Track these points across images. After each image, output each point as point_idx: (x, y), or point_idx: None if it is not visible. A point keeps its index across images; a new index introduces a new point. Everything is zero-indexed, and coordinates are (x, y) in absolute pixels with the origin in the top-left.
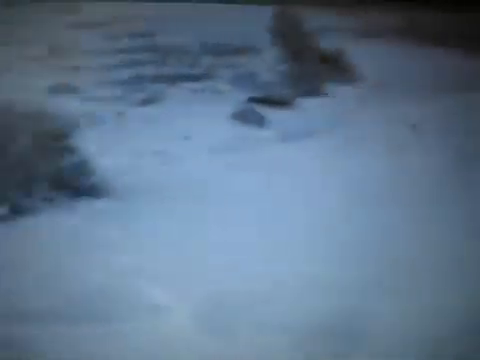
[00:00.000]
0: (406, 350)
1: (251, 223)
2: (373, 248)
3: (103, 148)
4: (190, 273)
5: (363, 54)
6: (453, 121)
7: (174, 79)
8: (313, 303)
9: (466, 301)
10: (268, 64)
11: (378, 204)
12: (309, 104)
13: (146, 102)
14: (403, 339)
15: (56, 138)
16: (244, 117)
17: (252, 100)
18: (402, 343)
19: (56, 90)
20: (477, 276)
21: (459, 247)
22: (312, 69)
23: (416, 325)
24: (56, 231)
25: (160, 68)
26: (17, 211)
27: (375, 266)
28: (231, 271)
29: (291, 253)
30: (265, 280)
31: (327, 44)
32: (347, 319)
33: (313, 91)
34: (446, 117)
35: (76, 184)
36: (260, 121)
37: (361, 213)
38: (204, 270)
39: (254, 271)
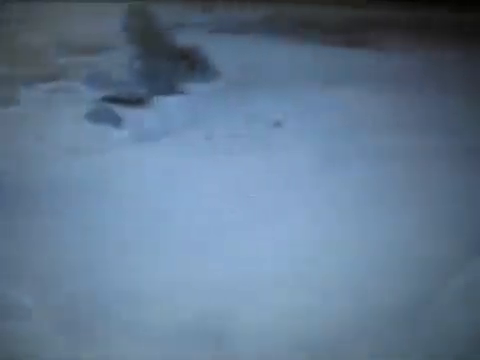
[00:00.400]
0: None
1: (109, 224)
2: (232, 249)
3: None
4: (51, 274)
5: (224, 51)
6: (317, 119)
7: (29, 79)
8: (181, 303)
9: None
10: (123, 63)
11: (239, 204)
12: (165, 102)
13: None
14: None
15: None
16: (99, 117)
17: (106, 99)
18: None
19: None
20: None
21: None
22: (168, 67)
23: (284, 327)
24: None
25: (15, 68)
26: None
27: (236, 267)
28: (89, 272)
29: (151, 255)
30: (125, 280)
31: (186, 41)
32: (213, 320)
33: (169, 89)
34: (310, 115)
35: None
36: (115, 121)
37: (223, 213)
38: (63, 271)
39: (113, 272)
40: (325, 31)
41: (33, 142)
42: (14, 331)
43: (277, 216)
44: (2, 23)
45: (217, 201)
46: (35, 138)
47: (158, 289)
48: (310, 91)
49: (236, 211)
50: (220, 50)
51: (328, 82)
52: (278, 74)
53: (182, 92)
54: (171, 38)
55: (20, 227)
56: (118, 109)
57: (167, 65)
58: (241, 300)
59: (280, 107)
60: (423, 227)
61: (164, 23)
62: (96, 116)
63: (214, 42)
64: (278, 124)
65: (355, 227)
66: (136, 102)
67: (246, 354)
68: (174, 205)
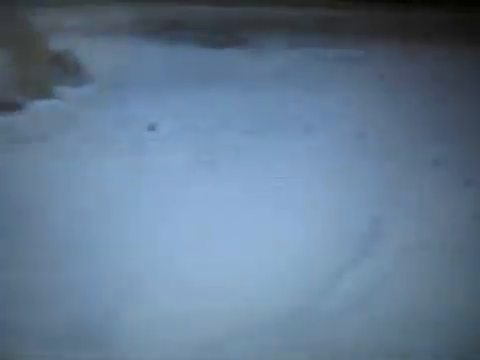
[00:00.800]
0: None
1: None
2: (111, 249)
3: None
4: None
5: (98, 53)
6: (191, 120)
7: None
8: (64, 304)
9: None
10: None
11: (115, 205)
12: (38, 107)
13: None
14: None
15: None
16: None
17: None
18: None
19: None
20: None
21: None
22: (39, 71)
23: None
24: None
25: None
26: None
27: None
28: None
29: (30, 255)
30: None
31: (59, 44)
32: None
33: (41, 94)
34: (184, 116)
35: None
36: None
37: (98, 214)
38: None
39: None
40: (200, 31)
41: None
42: None
43: (154, 216)
44: None
45: (91, 203)
46: None
47: (43, 289)
48: (184, 92)
49: (113, 212)
50: (94, 53)
51: (203, 83)
52: (152, 76)
53: (55, 96)
54: (43, 42)
55: None
56: None
57: (39, 69)
58: (123, 300)
59: (154, 110)
60: (306, 228)
61: (38, 27)
62: None
63: (88, 45)
64: (152, 127)
65: (232, 225)
66: (8, 107)
67: (131, 355)
68: (49, 207)
